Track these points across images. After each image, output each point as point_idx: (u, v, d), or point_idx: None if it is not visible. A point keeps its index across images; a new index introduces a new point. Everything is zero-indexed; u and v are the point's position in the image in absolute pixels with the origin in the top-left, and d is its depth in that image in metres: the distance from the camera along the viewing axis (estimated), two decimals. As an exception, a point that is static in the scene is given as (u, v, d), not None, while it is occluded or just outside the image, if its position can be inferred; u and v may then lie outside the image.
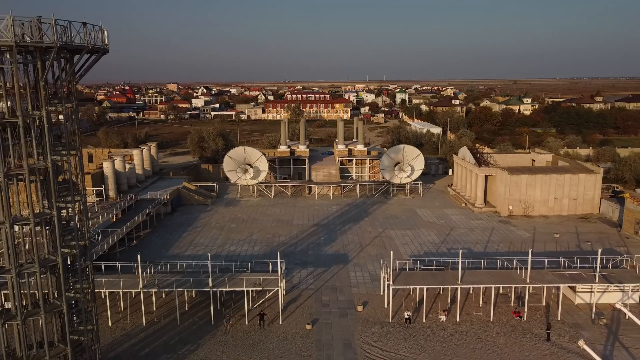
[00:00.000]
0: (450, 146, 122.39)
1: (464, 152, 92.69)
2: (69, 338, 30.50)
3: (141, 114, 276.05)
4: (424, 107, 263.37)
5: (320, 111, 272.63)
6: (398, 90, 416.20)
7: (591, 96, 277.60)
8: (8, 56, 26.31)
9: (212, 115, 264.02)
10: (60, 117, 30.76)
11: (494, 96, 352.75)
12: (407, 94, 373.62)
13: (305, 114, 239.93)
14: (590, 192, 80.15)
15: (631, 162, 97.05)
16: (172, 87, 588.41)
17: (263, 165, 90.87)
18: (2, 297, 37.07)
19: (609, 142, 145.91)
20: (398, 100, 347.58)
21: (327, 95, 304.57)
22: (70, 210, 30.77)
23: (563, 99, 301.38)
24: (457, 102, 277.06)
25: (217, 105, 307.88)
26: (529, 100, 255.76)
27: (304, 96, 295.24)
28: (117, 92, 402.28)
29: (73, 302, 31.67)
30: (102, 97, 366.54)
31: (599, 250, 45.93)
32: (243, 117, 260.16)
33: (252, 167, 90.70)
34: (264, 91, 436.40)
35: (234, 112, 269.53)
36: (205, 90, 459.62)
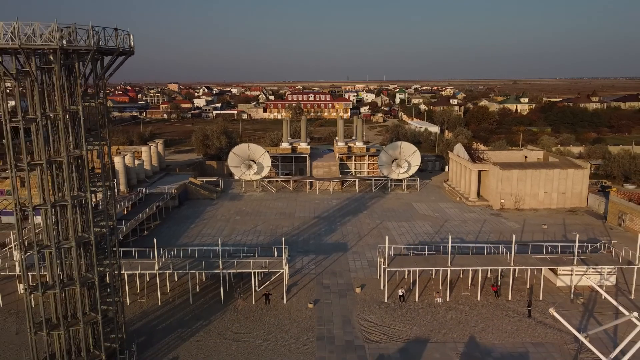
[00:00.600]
0: (447, 144, 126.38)
1: (459, 148, 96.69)
2: (100, 307, 34.47)
3: (144, 114, 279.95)
4: (423, 107, 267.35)
5: (320, 111, 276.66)
6: (398, 90, 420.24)
7: (587, 96, 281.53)
8: (52, 58, 30.28)
9: (214, 114, 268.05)
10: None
11: (492, 96, 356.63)
12: (406, 94, 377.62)
13: (306, 113, 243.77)
14: (578, 187, 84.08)
15: (619, 159, 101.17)
16: (173, 87, 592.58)
17: (266, 161, 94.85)
18: (29, 277, 40.97)
19: (602, 140, 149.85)
20: (398, 100, 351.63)
21: (328, 95, 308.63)
22: (100, 194, 34.76)
23: (560, 99, 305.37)
24: (456, 101, 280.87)
25: (218, 105, 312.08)
26: (526, 100, 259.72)
27: (305, 96, 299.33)
28: (120, 92, 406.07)
29: (101, 276, 35.61)
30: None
31: (577, 236, 49.94)
32: (244, 116, 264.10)
33: (255, 163, 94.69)
34: (264, 91, 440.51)
35: (235, 112, 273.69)
36: (206, 90, 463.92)
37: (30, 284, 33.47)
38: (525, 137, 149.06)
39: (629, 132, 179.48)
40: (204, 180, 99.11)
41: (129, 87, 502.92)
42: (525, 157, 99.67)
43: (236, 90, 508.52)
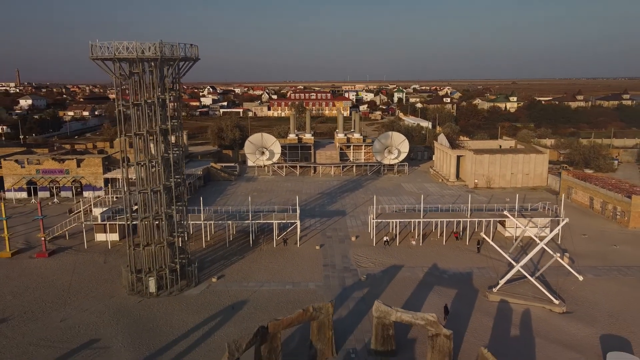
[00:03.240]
0: (435, 137, 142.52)
1: (442, 138, 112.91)
2: (177, 232, 50.71)
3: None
4: (418, 105, 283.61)
5: (321, 109, 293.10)
6: (396, 90, 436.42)
7: (573, 95, 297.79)
8: (152, 64, 46.39)
9: (221, 112, 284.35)
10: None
11: (487, 95, 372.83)
12: (404, 93, 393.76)
13: (308, 110, 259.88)
14: (540, 169, 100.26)
15: (581, 148, 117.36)
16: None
17: (277, 148, 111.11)
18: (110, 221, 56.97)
19: (577, 134, 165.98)
20: (396, 99, 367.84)
21: (328, 94, 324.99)
22: (177, 155, 50.94)
23: (550, 98, 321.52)
24: (449, 99, 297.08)
25: (225, 103, 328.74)
26: (515, 99, 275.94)
27: (306, 95, 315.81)
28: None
29: (176, 212, 51.74)
30: (114, 95, 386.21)
31: (517, 196, 66.15)
32: (249, 114, 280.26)
33: (267, 150, 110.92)
34: (267, 90, 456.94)
35: (241, 110, 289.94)
36: (211, 89, 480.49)
37: (131, 216, 49.64)
38: (509, 132, 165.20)
39: (605, 128, 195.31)
40: (223, 165, 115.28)
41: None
42: (500, 145, 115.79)
43: (239, 89, 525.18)
